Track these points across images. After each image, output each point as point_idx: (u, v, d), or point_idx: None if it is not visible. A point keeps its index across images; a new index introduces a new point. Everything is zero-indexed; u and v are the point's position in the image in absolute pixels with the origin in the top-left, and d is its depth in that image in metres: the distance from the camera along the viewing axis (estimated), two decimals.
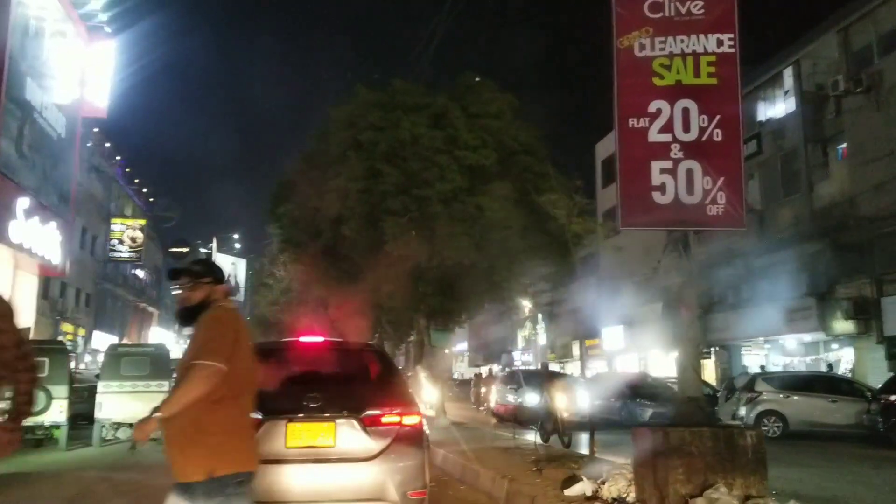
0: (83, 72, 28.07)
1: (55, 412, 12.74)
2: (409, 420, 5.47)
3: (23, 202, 22.90)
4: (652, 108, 6.06)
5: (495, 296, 16.66)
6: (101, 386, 14.17)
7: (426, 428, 5.97)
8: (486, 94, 14.79)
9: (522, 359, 57.75)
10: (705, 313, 23.80)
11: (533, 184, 13.81)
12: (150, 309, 51.47)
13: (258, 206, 33.17)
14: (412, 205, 13.57)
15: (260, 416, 5.01)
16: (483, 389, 27.29)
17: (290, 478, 5.13)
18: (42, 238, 24.74)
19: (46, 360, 12.74)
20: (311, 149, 16.68)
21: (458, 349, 61.13)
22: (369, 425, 5.33)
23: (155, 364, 14.50)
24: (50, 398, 12.64)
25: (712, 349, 26.67)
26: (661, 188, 5.98)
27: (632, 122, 6.05)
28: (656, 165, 5.96)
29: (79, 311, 34.07)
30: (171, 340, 58.27)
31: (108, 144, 42.30)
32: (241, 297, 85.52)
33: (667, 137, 6.01)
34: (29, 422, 11.37)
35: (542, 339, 50.36)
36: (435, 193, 13.44)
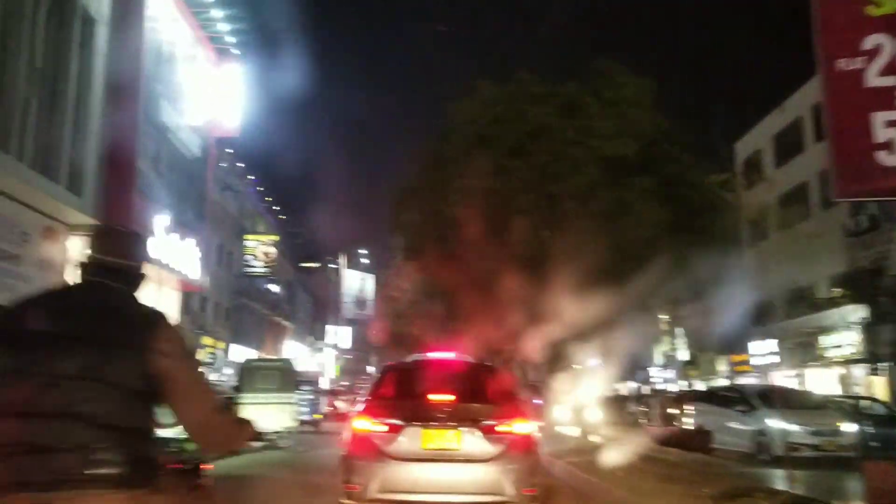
0: (214, 93, 28.94)
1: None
2: (522, 429, 6.54)
3: (161, 220, 23.68)
4: (868, 44, 4.56)
5: (639, 304, 15.14)
6: (240, 397, 14.68)
7: (537, 435, 6.99)
8: (620, 79, 13.32)
9: (661, 376, 54.67)
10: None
11: (679, 176, 12.25)
12: (285, 323, 52.93)
13: (384, 220, 33.10)
14: (542, 202, 12.33)
15: (401, 423, 6.46)
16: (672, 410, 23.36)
17: (426, 473, 6.37)
18: (181, 254, 25.53)
19: None
20: (431, 151, 15.89)
21: (590, 364, 58.95)
22: (488, 433, 6.42)
23: (283, 377, 15.24)
24: None
25: (883, 365, 23.58)
26: (888, 146, 4.47)
27: (841, 63, 4.63)
28: (879, 117, 4.47)
29: (218, 324, 35.23)
30: (305, 353, 59.89)
31: (240, 164, 43.93)
32: (370, 312, 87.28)
33: (891, 81, 4.49)
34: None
35: (681, 354, 47.30)
36: (568, 189, 12.09)
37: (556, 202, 12.40)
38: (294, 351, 54.35)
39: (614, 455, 10.62)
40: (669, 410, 21.99)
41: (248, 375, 15.30)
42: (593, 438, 14.90)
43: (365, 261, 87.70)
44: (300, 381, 25.10)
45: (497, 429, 6.43)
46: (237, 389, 15.33)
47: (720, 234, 12.79)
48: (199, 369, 2.52)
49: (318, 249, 78.14)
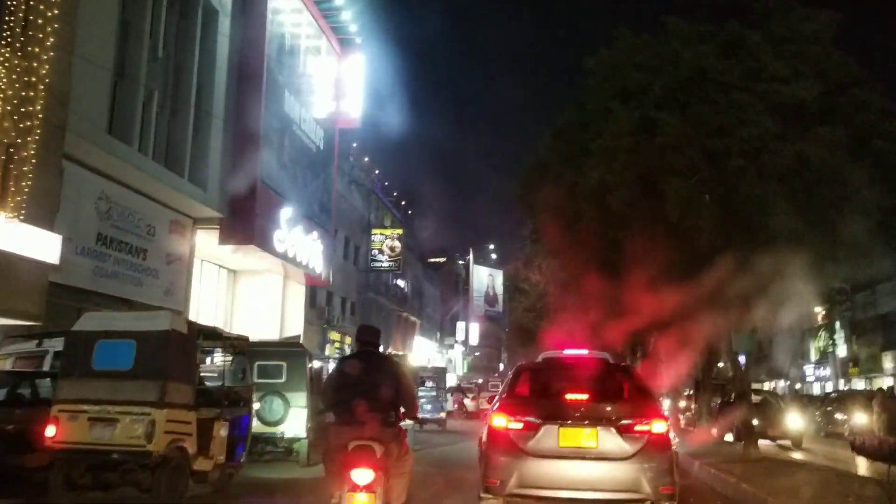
0: (337, 84, 28.54)
1: (294, 424, 11.18)
2: (658, 428, 6.54)
3: (285, 212, 23.47)
4: None
5: (822, 282, 12.61)
6: None
7: (672, 434, 6.96)
8: (794, 14, 10.98)
9: (816, 374, 49.89)
10: None
11: (873, 126, 9.91)
12: (413, 318, 52.65)
13: (513, 209, 31.59)
14: (701, 161, 10.27)
15: (537, 421, 6.61)
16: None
17: (563, 470, 6.50)
18: (305, 247, 25.33)
19: (284, 364, 11.50)
20: (562, 122, 14.10)
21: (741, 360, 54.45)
22: (624, 431, 6.48)
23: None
24: (287, 407, 11.16)
25: None
26: None
27: None
28: None
29: (344, 319, 35.09)
30: (434, 350, 59.52)
31: (366, 159, 43.85)
32: (499, 307, 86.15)
33: None
34: (266, 432, 10.92)
35: (841, 350, 42.83)
36: (734, 143, 10.01)
37: (719, 159, 10.27)
38: (422, 347, 54.03)
39: None
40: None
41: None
42: (797, 455, 12.73)
43: (493, 255, 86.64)
44: (422, 378, 24.20)
45: (635, 428, 6.49)
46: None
47: None
48: (409, 377, 5.87)
49: (445, 244, 77.97)
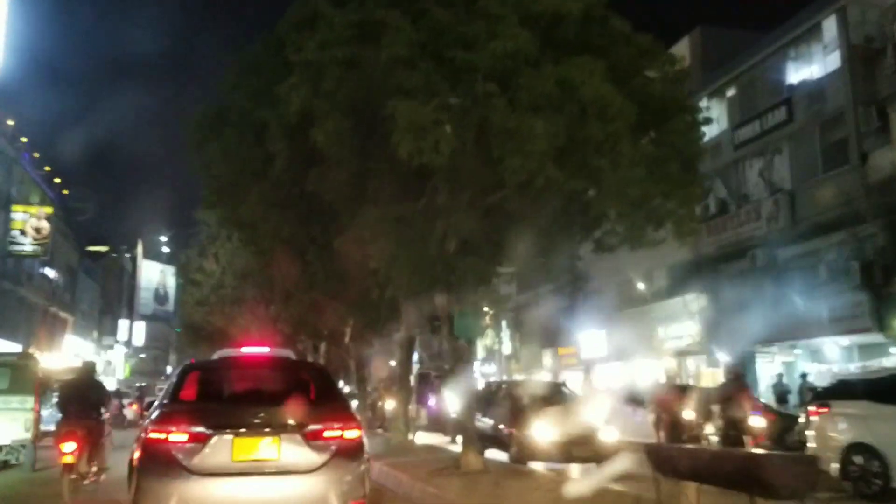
0: None
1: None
2: (350, 434, 5.90)
3: None
4: None
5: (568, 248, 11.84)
6: None
7: (366, 441, 6.15)
8: None
9: (481, 370, 53.82)
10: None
11: (634, 63, 9.32)
12: (63, 314, 45.42)
13: (188, 200, 28.32)
14: (440, 79, 8.64)
15: (206, 431, 5.57)
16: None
17: (237, 489, 5.54)
18: None
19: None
20: (254, 53, 11.76)
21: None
22: (312, 439, 5.74)
23: (14, 376, 12.77)
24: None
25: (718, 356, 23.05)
26: None
27: None
28: None
29: None
30: (90, 350, 52.15)
31: (10, 123, 36.64)
32: (170, 307, 79.33)
33: None
34: None
35: (505, 348, 46.39)
36: (484, 60, 8.41)
37: (464, 81, 8.62)
38: (76, 347, 46.96)
39: None
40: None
41: None
42: None
43: (166, 249, 79.75)
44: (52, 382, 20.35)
45: (324, 435, 5.81)
46: None
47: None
48: None
49: (109, 233, 69.53)
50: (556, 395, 15.29)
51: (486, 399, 15.28)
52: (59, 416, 9.45)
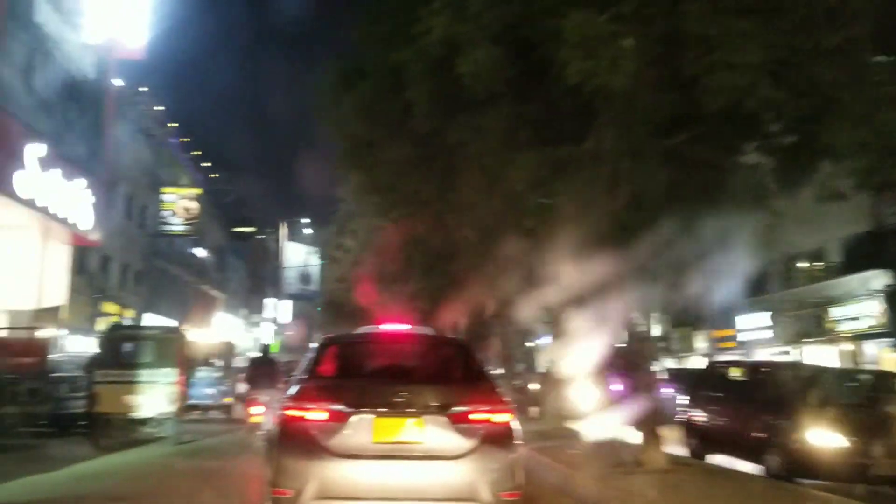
0: (116, 8, 23.44)
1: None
2: (499, 418, 5.41)
3: (35, 149, 18.37)
4: None
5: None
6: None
7: (518, 427, 5.61)
8: None
9: None
10: None
11: None
12: (214, 292, 47.44)
13: (331, 181, 28.11)
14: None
15: (346, 409, 5.23)
16: None
17: (379, 474, 5.16)
18: (66, 197, 20.31)
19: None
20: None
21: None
22: (457, 422, 5.28)
23: (160, 349, 13.27)
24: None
25: None
26: None
27: None
28: None
29: (125, 289, 29.83)
30: (239, 327, 54.44)
31: (160, 108, 38.30)
32: (313, 287, 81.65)
33: None
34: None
35: (654, 330, 43.70)
36: None
37: None
38: (226, 323, 49.06)
39: None
40: None
41: (110, 347, 13.20)
42: None
43: (309, 230, 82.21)
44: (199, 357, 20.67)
45: (471, 417, 5.30)
46: (94, 366, 12.90)
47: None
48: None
49: (255, 217, 72.22)
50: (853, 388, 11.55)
51: (708, 384, 12.60)
52: (247, 386, 12.81)
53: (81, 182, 21.58)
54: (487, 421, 5.32)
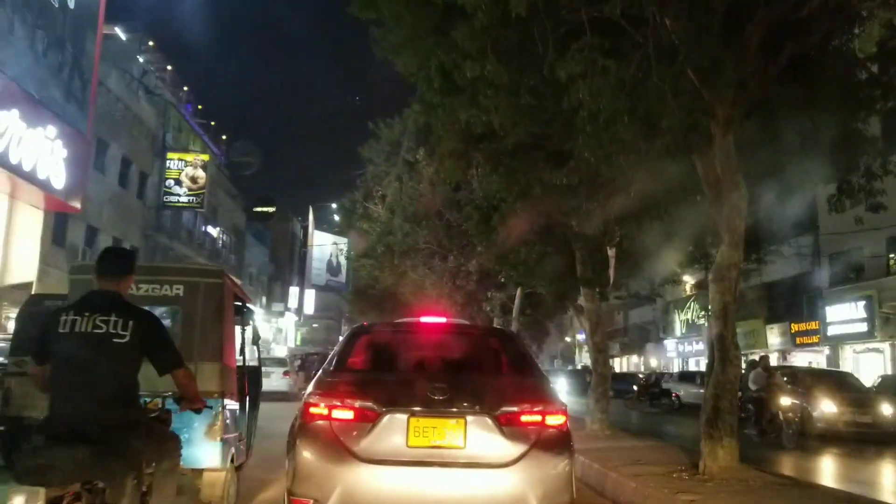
0: None
1: None
2: (553, 420, 4.78)
3: None
4: None
5: None
6: None
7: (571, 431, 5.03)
8: None
9: (679, 349, 46.55)
10: None
11: None
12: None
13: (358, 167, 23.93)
14: None
15: (376, 408, 4.57)
16: None
17: (414, 483, 4.50)
18: (31, 147, 16.29)
19: None
20: None
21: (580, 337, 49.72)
22: (506, 424, 4.64)
23: None
24: None
25: None
26: None
27: None
28: None
29: None
30: (258, 315, 50.67)
31: (169, 68, 34.26)
32: (342, 278, 77.84)
33: None
34: None
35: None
36: None
37: None
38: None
39: None
40: None
41: (32, 326, 8.77)
42: None
43: (336, 217, 78.33)
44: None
45: (521, 419, 4.64)
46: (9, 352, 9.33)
47: None
48: None
49: (281, 200, 68.61)
50: None
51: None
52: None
53: (50, 130, 17.50)
54: (539, 423, 4.65)
